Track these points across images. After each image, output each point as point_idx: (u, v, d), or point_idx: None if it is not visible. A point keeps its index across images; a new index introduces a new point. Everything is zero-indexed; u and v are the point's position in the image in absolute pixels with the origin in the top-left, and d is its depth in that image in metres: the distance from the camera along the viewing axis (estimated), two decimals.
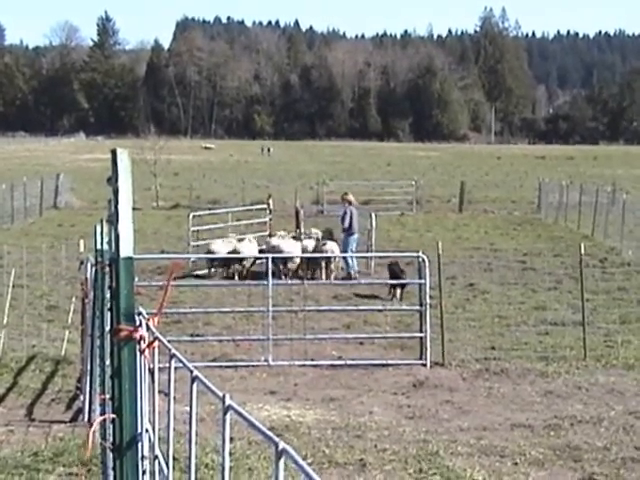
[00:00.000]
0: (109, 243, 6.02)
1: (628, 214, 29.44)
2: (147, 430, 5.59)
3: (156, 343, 5.41)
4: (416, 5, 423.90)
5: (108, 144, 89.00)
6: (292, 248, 22.47)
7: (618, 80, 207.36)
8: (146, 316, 5.55)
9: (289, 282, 18.73)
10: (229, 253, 22.89)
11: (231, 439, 8.24)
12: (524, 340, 16.23)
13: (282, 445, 3.22)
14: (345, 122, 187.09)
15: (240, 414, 3.87)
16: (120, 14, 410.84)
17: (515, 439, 10.90)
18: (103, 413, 6.98)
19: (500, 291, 21.03)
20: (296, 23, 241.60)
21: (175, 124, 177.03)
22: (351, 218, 23.66)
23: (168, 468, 5.24)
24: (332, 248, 22.55)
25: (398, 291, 20.24)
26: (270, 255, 16.94)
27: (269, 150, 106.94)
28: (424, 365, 14.38)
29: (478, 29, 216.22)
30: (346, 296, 20.48)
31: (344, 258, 22.77)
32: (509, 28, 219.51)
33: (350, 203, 24.20)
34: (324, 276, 22.34)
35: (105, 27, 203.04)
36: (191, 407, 4.72)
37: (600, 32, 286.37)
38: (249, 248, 23.13)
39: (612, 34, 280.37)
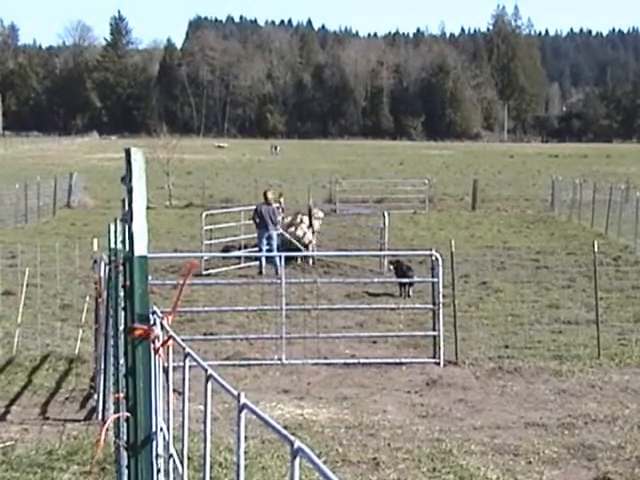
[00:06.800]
0: (123, 242, 6.02)
1: None
2: (161, 429, 5.60)
3: (170, 342, 5.41)
4: (428, 3, 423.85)
5: (121, 143, 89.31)
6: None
7: (632, 78, 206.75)
8: (160, 315, 5.55)
9: (302, 280, 18.71)
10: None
11: (245, 438, 8.26)
12: (537, 339, 16.18)
13: (298, 444, 3.21)
14: (358, 121, 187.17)
15: (255, 413, 3.86)
16: (133, 13, 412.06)
17: (529, 438, 10.87)
18: (117, 412, 6.98)
19: (513, 289, 20.98)
20: (309, 22, 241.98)
21: (188, 123, 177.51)
22: (260, 215, 24.01)
23: (183, 467, 5.24)
24: (304, 219, 25.41)
25: (407, 288, 20.26)
26: (283, 253, 16.96)
27: (276, 148, 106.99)
28: (437, 364, 14.35)
29: (491, 27, 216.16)
30: (359, 294, 20.49)
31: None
32: (522, 26, 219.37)
33: (266, 200, 24.40)
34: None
35: (118, 27, 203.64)
36: (206, 406, 4.72)
37: (613, 30, 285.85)
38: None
39: (625, 32, 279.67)
